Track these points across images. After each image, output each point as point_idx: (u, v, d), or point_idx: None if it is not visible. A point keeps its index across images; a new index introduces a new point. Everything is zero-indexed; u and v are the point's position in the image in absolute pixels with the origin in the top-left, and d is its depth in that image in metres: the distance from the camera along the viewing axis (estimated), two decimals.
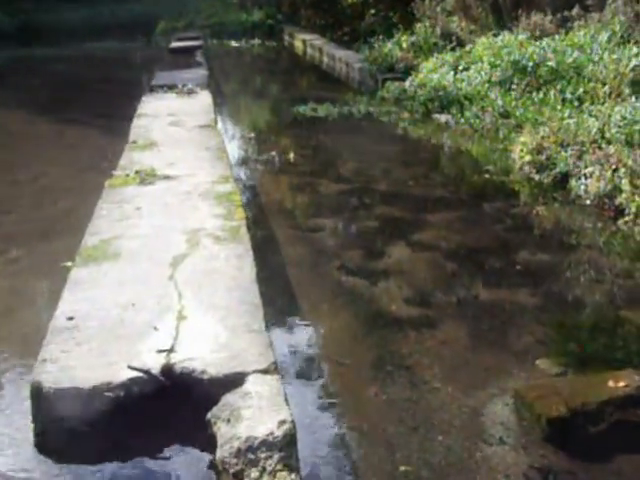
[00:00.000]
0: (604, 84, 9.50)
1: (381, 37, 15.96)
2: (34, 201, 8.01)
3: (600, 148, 7.76)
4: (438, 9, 16.57)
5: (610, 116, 8.27)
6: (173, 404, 3.63)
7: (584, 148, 7.95)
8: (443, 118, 11.30)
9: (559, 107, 9.61)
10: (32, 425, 3.67)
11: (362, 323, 5.09)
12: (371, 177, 8.60)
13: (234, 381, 3.63)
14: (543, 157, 8.28)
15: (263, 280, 4.94)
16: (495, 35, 13.31)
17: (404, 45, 15.10)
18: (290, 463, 3.22)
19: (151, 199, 6.67)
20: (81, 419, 3.54)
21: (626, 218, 6.75)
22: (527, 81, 10.95)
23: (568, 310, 5.28)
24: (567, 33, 12.68)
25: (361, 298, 5.46)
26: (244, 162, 9.60)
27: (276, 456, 3.20)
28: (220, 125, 11.51)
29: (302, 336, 4.98)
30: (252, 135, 11.25)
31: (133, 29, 24.96)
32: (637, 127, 7.75)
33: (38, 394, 3.60)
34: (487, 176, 8.42)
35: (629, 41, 11.15)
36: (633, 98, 8.78)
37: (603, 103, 9.08)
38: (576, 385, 4.15)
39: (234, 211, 6.31)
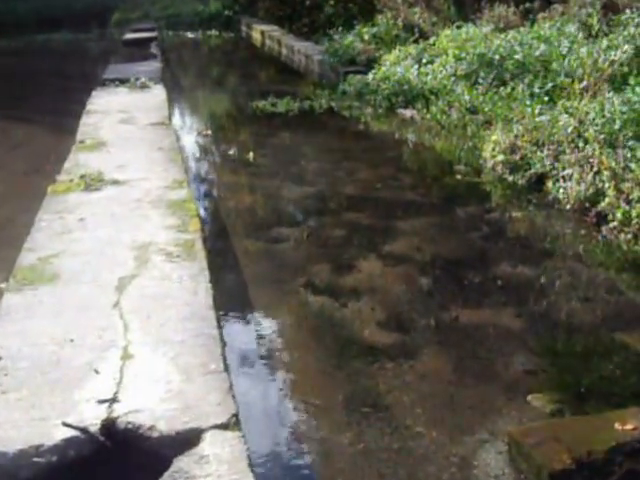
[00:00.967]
0: (577, 79, 9.05)
1: (341, 29, 15.52)
2: None
3: (578, 148, 7.32)
4: (399, 0, 16.09)
5: (587, 113, 7.82)
6: (116, 470, 3.08)
7: (560, 148, 7.51)
8: (408, 113, 10.82)
9: (528, 102, 9.19)
10: None
11: (332, 353, 4.51)
12: (336, 178, 8.03)
13: (188, 440, 3.09)
14: (517, 157, 7.83)
15: (221, 305, 4.40)
16: (459, 27, 12.89)
17: (365, 37, 14.63)
18: None
19: (97, 208, 6.11)
20: None
21: (610, 225, 6.31)
22: (493, 75, 10.52)
23: (557, 334, 4.78)
24: (532, 25, 12.31)
25: (330, 322, 4.90)
26: (200, 163, 8.99)
27: None
28: (175, 121, 10.92)
29: (265, 372, 4.42)
30: (209, 133, 10.64)
31: (87, 20, 24.22)
32: (616, 126, 7.29)
33: None
34: (458, 177, 7.93)
35: (597, 34, 10.77)
36: (610, 94, 8.36)
37: (576, 99, 8.63)
38: (578, 428, 3.65)
39: (188, 222, 5.77)
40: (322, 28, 17.29)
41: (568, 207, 6.75)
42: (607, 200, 6.45)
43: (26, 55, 18.79)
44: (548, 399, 4.05)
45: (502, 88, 10.04)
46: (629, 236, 6.05)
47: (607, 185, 6.52)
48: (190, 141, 10.17)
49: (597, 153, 6.92)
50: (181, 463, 2.99)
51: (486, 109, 9.68)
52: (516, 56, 10.57)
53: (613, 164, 6.61)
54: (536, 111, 8.81)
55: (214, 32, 23.23)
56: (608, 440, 3.46)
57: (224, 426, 3.16)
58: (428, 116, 10.29)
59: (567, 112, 8.15)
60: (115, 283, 4.62)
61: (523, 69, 10.39)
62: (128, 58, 15.66)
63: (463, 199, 7.42)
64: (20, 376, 3.55)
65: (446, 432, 3.75)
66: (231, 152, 9.29)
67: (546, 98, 9.25)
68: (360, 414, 3.91)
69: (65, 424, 3.13)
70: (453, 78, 10.84)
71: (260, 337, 4.82)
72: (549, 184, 7.22)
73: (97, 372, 3.60)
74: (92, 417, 3.20)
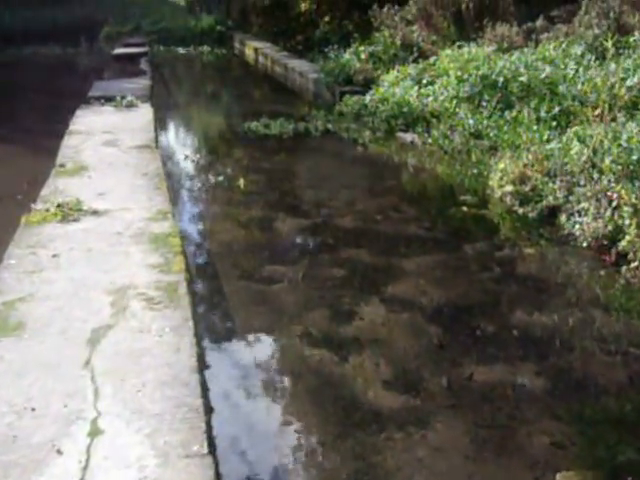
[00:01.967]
0: (590, 105, 8.58)
1: (336, 46, 15.08)
2: None
3: (593, 179, 6.83)
4: (397, 18, 15.65)
5: (601, 142, 7.34)
6: None
7: (574, 179, 7.03)
8: (408, 137, 10.33)
9: (534, 127, 8.73)
10: None
11: (333, 420, 3.95)
12: (333, 209, 7.47)
13: None
14: (527, 188, 7.33)
15: (208, 365, 3.87)
16: (460, 47, 12.43)
17: (362, 56, 14.14)
18: None
19: (73, 242, 5.62)
20: None
21: (631, 265, 5.81)
22: (498, 98, 10.06)
23: (583, 396, 4.25)
24: (536, 46, 11.89)
25: (330, 381, 4.32)
26: (187, 191, 8.42)
27: None
28: (162, 143, 10.40)
29: (258, 446, 3.83)
30: (197, 157, 10.07)
31: (76, 34, 23.66)
32: (635, 156, 6.80)
33: None
34: (464, 208, 7.40)
35: (604, 57, 10.33)
36: (623, 120, 7.88)
37: (589, 126, 8.14)
38: None
39: (172, 260, 5.27)
40: (317, 45, 16.94)
41: (584, 244, 6.25)
42: (628, 238, 5.96)
43: (11, 70, 18.16)
44: (580, 478, 3.53)
45: (507, 112, 9.64)
46: None
47: (627, 222, 6.03)
48: (177, 166, 9.62)
49: (615, 186, 6.44)
50: None
51: (491, 134, 9.24)
52: (521, 78, 10.15)
53: (634, 199, 6.12)
54: (545, 137, 8.36)
55: (206, 48, 22.74)
56: None
57: None
58: (429, 140, 9.81)
59: (579, 139, 7.67)
60: (87, 335, 4.11)
61: (528, 92, 9.97)
62: (117, 73, 15.23)
63: (471, 234, 6.91)
64: None
65: None
66: (221, 178, 8.77)
67: (554, 123, 8.82)
68: None
69: None
70: (455, 100, 10.37)
71: (252, 399, 4.27)
72: (562, 218, 6.74)
73: (60, 452, 3.08)
74: None
